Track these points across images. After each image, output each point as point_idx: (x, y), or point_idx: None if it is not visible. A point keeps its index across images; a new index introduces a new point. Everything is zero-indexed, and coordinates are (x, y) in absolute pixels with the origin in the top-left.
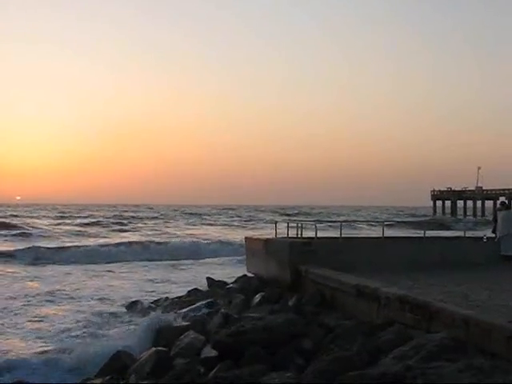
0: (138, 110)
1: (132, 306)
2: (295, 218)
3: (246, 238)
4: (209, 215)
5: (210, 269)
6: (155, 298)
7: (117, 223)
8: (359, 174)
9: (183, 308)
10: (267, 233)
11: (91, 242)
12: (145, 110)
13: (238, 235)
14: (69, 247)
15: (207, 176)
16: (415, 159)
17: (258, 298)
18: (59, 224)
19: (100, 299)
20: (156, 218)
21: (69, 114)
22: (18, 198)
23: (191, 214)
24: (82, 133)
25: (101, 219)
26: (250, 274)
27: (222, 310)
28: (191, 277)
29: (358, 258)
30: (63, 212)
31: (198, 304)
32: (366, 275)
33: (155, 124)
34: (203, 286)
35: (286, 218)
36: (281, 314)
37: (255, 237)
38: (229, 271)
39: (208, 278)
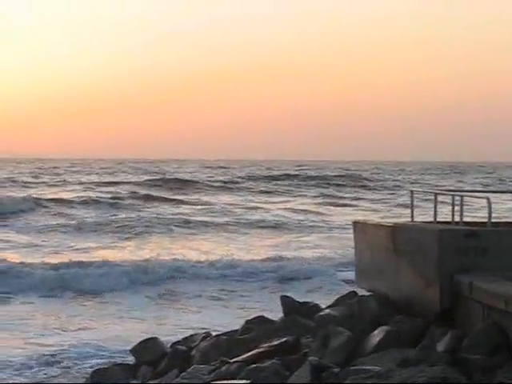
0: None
1: (143, 350)
2: (446, 184)
3: (355, 223)
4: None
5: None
6: (184, 335)
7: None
8: None
9: (237, 354)
10: (399, 213)
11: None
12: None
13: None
14: None
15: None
16: None
17: (378, 335)
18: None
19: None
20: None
21: None
22: None
23: (272, 176)
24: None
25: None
26: (362, 291)
27: (311, 358)
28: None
29: None
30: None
31: (264, 346)
32: None
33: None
34: (275, 311)
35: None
36: (422, 367)
37: (372, 221)
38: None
39: (284, 298)
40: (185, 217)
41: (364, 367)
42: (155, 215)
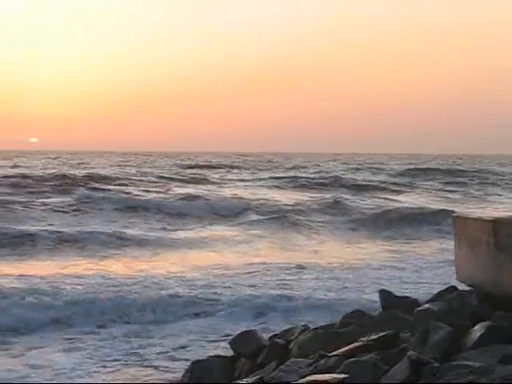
0: None
1: (241, 343)
2: None
3: (455, 217)
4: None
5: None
6: (283, 327)
7: None
8: None
9: (335, 348)
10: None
11: None
12: None
13: None
14: None
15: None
16: None
17: (478, 331)
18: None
19: None
20: None
21: None
22: (34, 140)
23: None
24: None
25: None
26: (462, 286)
27: (410, 353)
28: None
29: None
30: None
31: (362, 340)
32: None
33: None
34: (373, 306)
35: None
36: None
37: (472, 215)
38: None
39: (383, 292)
40: None
41: (465, 363)
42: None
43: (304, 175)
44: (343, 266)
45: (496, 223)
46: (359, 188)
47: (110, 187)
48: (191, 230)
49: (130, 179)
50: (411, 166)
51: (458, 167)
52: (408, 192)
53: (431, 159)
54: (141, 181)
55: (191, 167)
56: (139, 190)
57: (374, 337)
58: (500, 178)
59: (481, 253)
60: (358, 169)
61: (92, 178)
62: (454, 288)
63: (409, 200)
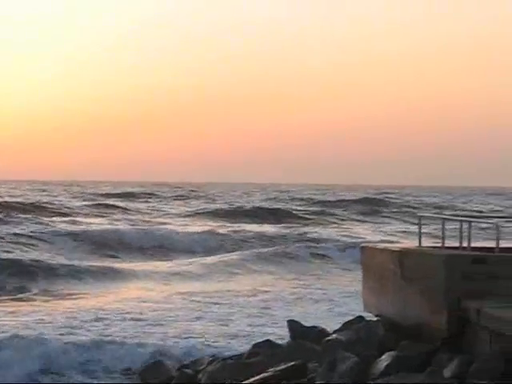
0: None
1: (149, 373)
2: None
3: (362, 247)
4: None
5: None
6: (192, 358)
7: None
8: None
9: (244, 378)
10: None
11: None
12: None
13: None
14: None
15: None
16: None
17: (385, 360)
18: None
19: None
20: None
21: None
22: None
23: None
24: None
25: None
26: (370, 316)
27: (318, 383)
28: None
29: None
30: None
31: (271, 370)
32: None
33: None
34: (282, 335)
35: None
36: None
37: (379, 246)
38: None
39: (291, 322)
40: None
41: None
42: None
43: (225, 206)
44: (256, 298)
45: (402, 253)
46: (274, 217)
47: (43, 217)
48: (120, 261)
49: (56, 207)
50: (328, 198)
51: (376, 197)
52: (322, 223)
53: (347, 189)
54: (54, 210)
55: (111, 196)
56: (64, 221)
57: (282, 367)
58: (417, 208)
59: (387, 283)
60: (275, 198)
61: (21, 207)
62: (361, 318)
63: (322, 230)
